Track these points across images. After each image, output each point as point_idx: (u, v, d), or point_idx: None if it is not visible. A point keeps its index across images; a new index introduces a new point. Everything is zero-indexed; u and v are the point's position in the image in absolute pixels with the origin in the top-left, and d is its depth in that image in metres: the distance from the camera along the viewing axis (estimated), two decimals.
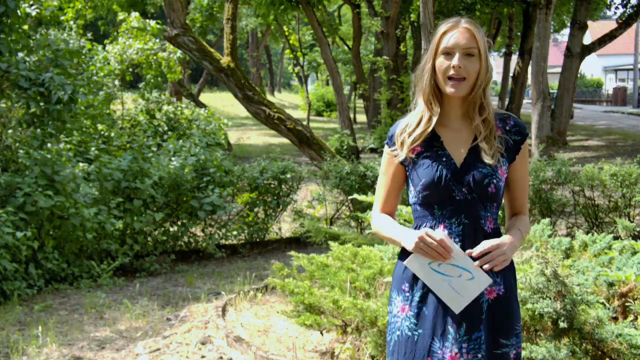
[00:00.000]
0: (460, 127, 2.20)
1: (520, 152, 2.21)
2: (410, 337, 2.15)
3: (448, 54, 2.13)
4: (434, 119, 2.19)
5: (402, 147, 2.21)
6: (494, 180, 2.13)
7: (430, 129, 2.18)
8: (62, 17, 10.32)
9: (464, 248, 2.13)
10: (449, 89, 2.14)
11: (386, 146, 2.28)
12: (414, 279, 2.16)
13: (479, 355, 2.09)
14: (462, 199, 2.13)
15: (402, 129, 2.24)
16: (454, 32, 2.13)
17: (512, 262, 2.22)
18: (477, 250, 2.07)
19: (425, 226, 2.17)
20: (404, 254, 2.22)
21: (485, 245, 2.08)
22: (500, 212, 2.35)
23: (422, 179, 2.15)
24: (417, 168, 2.18)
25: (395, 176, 2.27)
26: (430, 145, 2.19)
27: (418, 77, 2.23)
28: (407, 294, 2.18)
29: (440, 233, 2.06)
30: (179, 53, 12.21)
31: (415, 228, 2.21)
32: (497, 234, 2.19)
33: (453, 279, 2.06)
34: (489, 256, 2.07)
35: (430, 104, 2.19)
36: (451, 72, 2.11)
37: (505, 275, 2.17)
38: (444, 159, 2.16)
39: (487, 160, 2.13)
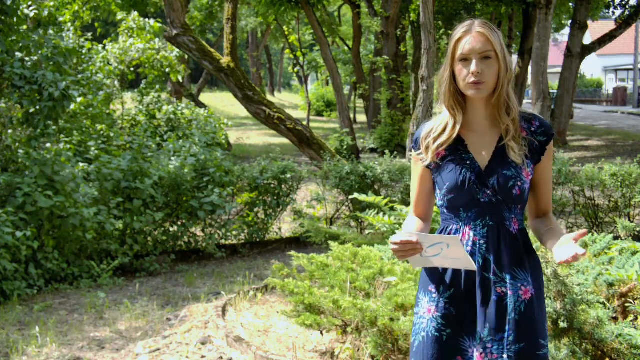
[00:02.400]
0: (484, 131, 2.22)
1: (546, 152, 2.21)
2: (439, 337, 2.17)
3: (465, 60, 2.14)
4: (458, 126, 2.21)
5: (426, 151, 2.24)
6: (519, 183, 2.15)
7: (454, 135, 2.21)
8: (61, 19, 10.30)
9: (488, 249, 2.15)
10: (470, 92, 2.15)
11: (412, 150, 2.31)
12: (441, 280, 2.19)
13: (505, 356, 2.10)
14: (487, 202, 2.15)
15: (427, 133, 2.26)
16: (468, 38, 2.14)
17: (539, 262, 2.23)
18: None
19: (451, 228, 2.20)
20: None
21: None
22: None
23: (446, 182, 2.18)
24: (442, 172, 2.21)
25: (423, 179, 2.29)
26: (455, 149, 2.21)
27: (439, 84, 2.25)
28: (434, 295, 2.20)
29: (399, 235, 2.07)
30: (176, 51, 12.20)
31: (442, 230, 2.24)
32: (523, 234, 2.20)
33: (442, 253, 2.08)
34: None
35: (453, 110, 2.21)
36: (471, 78, 2.13)
37: (535, 276, 2.18)
38: (468, 162, 2.18)
39: (515, 159, 2.14)
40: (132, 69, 12.10)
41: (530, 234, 2.35)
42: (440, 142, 2.21)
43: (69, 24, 10.48)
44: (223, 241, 8.00)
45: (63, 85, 6.53)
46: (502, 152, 2.18)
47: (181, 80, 16.56)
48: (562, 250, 2.03)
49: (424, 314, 2.22)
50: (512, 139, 2.16)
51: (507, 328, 2.11)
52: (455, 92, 2.20)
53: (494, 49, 2.13)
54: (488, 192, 2.15)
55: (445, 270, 2.19)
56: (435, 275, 2.21)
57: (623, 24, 17.75)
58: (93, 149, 8.22)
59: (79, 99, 8.74)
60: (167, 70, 12.21)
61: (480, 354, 2.11)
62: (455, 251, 2.06)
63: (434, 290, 2.21)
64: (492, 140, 2.20)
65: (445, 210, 2.24)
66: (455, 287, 2.17)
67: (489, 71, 2.13)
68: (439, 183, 2.23)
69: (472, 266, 2.09)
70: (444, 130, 2.22)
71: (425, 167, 2.26)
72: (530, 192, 2.26)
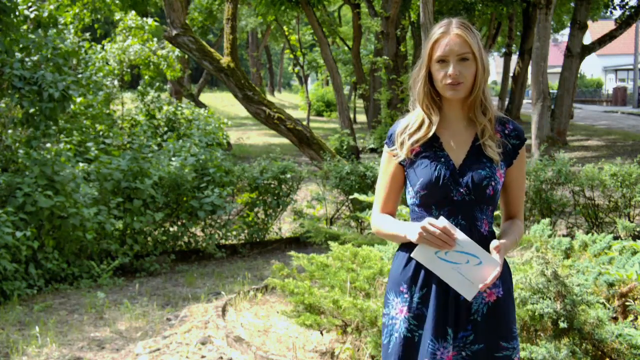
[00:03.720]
0: (459, 130, 2.22)
1: (518, 156, 2.23)
2: (410, 338, 2.16)
3: (443, 61, 2.14)
4: (434, 126, 2.20)
5: (401, 147, 2.22)
6: (492, 183, 2.15)
7: (430, 133, 2.20)
8: (61, 20, 10.30)
9: None
10: (447, 93, 2.15)
11: (385, 146, 2.29)
12: (412, 280, 2.18)
13: (463, 354, 2.12)
14: (460, 200, 2.14)
15: (402, 129, 2.25)
16: (446, 39, 2.14)
17: (507, 265, 2.23)
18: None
19: None
20: (401, 251, 2.24)
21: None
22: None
23: (420, 178, 2.17)
24: (416, 168, 2.19)
25: (394, 176, 2.27)
26: (430, 146, 2.20)
27: (413, 83, 2.25)
28: (406, 296, 2.19)
29: (442, 221, 2.05)
30: (177, 52, 12.21)
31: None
32: (492, 236, 2.20)
33: (461, 265, 2.04)
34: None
35: (428, 110, 2.21)
36: (448, 80, 2.13)
37: (503, 278, 2.18)
38: (443, 160, 2.17)
39: (493, 155, 2.15)
40: (129, 70, 12.10)
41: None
42: (415, 138, 2.20)
43: (70, 26, 10.47)
44: (223, 241, 8.00)
45: (63, 86, 6.52)
46: (476, 151, 2.18)
47: (177, 79, 16.53)
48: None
49: (396, 315, 2.20)
50: (488, 138, 2.17)
51: (468, 327, 2.12)
52: (429, 92, 2.20)
53: (472, 51, 2.13)
54: (462, 190, 2.14)
55: (417, 270, 2.17)
56: (406, 275, 2.19)
57: (623, 24, 17.73)
58: (93, 149, 8.22)
59: (78, 99, 8.74)
60: (164, 68, 12.19)
61: (451, 353, 2.13)
62: (480, 274, 2.03)
63: (405, 291, 2.19)
64: (467, 139, 2.20)
65: (417, 208, 2.22)
66: (428, 287, 2.15)
67: (467, 72, 2.13)
68: (412, 179, 2.20)
69: (470, 295, 2.06)
70: (419, 128, 2.21)
71: (398, 163, 2.24)
72: (502, 195, 2.27)
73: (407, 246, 2.19)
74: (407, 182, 2.24)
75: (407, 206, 2.31)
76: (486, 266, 2.04)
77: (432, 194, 2.15)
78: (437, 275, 2.09)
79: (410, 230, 2.12)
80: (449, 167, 2.15)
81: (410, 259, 2.17)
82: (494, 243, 2.10)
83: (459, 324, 2.12)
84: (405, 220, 2.48)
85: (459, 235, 2.04)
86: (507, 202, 2.29)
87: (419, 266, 2.16)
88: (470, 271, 2.04)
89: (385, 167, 2.29)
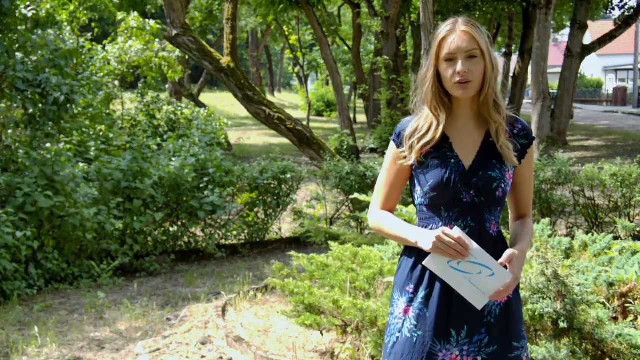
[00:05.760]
0: (470, 129, 2.19)
1: (527, 156, 2.20)
2: (409, 339, 2.14)
3: (451, 59, 2.11)
4: (441, 127, 2.16)
5: (410, 151, 2.18)
6: (502, 185, 2.13)
7: (438, 136, 2.16)
8: (58, 18, 10.29)
9: None
10: (457, 92, 2.12)
11: (393, 144, 2.24)
12: (419, 280, 2.15)
13: (479, 358, 2.10)
14: (469, 202, 2.12)
15: (411, 132, 2.20)
16: (453, 37, 2.11)
17: None
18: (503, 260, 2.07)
19: (431, 227, 2.15)
20: (407, 254, 2.22)
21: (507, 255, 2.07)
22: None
23: (430, 180, 2.14)
24: (425, 169, 2.16)
25: (399, 174, 2.24)
26: (439, 147, 2.17)
27: (420, 83, 2.21)
28: (412, 296, 2.16)
29: (457, 231, 2.03)
30: (177, 52, 12.21)
31: (422, 228, 2.19)
32: (500, 237, 2.19)
33: (473, 276, 2.03)
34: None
35: (436, 111, 2.17)
36: (457, 78, 2.09)
37: None
38: (453, 161, 2.14)
39: (511, 158, 2.13)
40: (131, 71, 12.10)
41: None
42: (424, 142, 2.16)
43: (66, 24, 10.47)
44: (223, 241, 8.00)
45: (67, 89, 6.53)
46: (486, 152, 2.15)
47: (177, 80, 16.52)
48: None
49: (400, 315, 2.18)
50: (504, 138, 2.14)
51: (482, 330, 2.10)
52: (438, 92, 2.16)
53: (480, 47, 2.10)
54: (471, 192, 2.12)
55: (424, 272, 2.14)
56: (414, 276, 2.16)
57: (623, 24, 17.74)
58: (93, 149, 8.22)
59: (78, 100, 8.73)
60: (165, 69, 12.19)
61: (456, 356, 2.10)
62: (490, 284, 2.02)
63: (411, 291, 2.16)
64: (476, 140, 2.17)
65: (425, 209, 2.19)
66: (432, 287, 2.13)
67: (475, 70, 2.10)
68: (421, 180, 2.17)
69: (480, 305, 2.06)
70: (428, 130, 2.18)
71: (406, 163, 2.21)
72: (510, 195, 2.25)
73: (413, 248, 2.16)
74: (416, 182, 2.21)
75: (406, 206, 2.31)
76: (498, 278, 2.03)
77: (442, 196, 2.13)
78: (449, 283, 2.08)
79: (423, 239, 2.08)
80: (458, 169, 2.13)
81: (418, 261, 2.15)
82: (507, 253, 2.06)
83: (473, 328, 2.10)
84: (405, 220, 2.46)
85: (473, 245, 2.03)
86: (516, 201, 2.26)
87: (426, 268, 2.13)
88: (481, 282, 2.04)
89: (391, 164, 2.25)
